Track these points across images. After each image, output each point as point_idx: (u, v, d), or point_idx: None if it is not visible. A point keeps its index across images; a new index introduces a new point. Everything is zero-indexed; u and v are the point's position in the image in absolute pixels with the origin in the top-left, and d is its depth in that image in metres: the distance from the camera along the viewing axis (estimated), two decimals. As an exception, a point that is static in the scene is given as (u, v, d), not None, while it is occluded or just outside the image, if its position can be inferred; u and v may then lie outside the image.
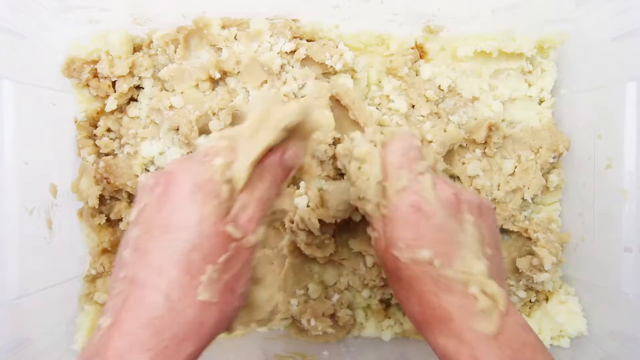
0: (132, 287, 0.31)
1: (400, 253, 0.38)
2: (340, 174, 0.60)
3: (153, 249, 0.31)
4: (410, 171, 0.40)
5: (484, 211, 0.41)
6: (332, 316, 0.60)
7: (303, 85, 0.56)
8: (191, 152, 0.57)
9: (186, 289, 0.31)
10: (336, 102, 0.58)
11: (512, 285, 0.58)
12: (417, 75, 0.61)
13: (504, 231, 0.62)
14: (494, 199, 0.60)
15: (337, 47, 0.58)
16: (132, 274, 0.31)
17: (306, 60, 0.58)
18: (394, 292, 0.42)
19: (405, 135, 0.42)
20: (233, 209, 0.34)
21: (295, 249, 0.59)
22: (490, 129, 0.59)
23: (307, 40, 0.59)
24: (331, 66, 0.57)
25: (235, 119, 0.57)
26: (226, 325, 0.34)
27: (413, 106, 0.60)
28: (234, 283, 0.33)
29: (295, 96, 0.57)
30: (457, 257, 0.38)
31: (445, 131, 0.59)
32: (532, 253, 0.57)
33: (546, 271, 0.56)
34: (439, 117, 0.60)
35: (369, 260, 0.59)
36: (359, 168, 0.42)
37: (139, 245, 0.32)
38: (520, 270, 0.57)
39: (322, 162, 0.58)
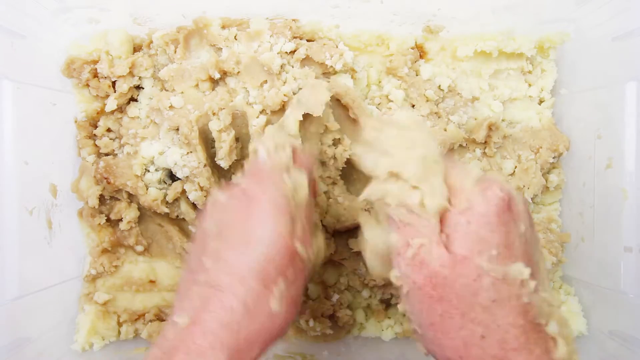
0: (214, 291, 0.33)
1: (488, 265, 0.30)
2: (340, 176, 0.59)
3: (235, 260, 0.34)
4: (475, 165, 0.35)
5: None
6: (332, 316, 0.60)
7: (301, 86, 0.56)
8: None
9: (261, 298, 0.34)
10: (336, 102, 0.58)
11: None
12: (417, 75, 0.61)
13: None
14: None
15: (337, 47, 0.58)
16: (214, 279, 0.34)
17: (306, 60, 0.58)
18: (434, 331, 0.32)
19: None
20: (297, 226, 0.36)
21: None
22: (490, 128, 0.59)
23: (307, 41, 0.59)
24: (331, 66, 0.57)
25: (235, 119, 0.57)
26: (284, 332, 0.36)
27: (413, 106, 0.60)
28: (297, 296, 0.36)
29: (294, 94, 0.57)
30: (543, 279, 0.31)
31: (445, 130, 0.59)
32: None
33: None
34: (439, 117, 0.60)
35: None
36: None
37: (220, 255, 0.35)
38: None
39: (323, 164, 0.58)
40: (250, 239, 0.35)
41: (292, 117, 0.50)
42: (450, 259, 0.30)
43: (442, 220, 0.32)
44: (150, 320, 0.60)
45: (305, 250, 0.36)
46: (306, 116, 0.52)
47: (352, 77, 0.61)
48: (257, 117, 0.56)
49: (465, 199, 0.32)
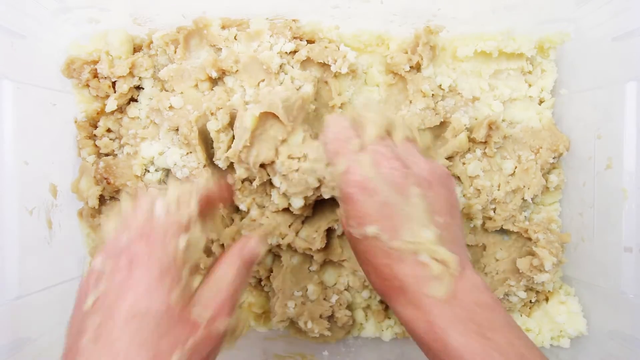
0: None
1: (352, 230, 0.41)
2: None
3: (118, 338, 0.31)
4: (346, 153, 0.41)
5: (434, 182, 0.42)
6: (331, 317, 0.60)
7: (300, 87, 0.56)
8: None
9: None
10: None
11: (513, 286, 0.58)
12: (417, 73, 0.61)
13: (504, 231, 0.62)
14: (494, 200, 0.60)
15: (338, 48, 0.58)
16: None
17: (307, 62, 0.58)
18: (363, 271, 0.44)
19: (333, 119, 0.44)
20: (189, 290, 0.35)
21: (292, 250, 0.59)
22: (490, 127, 0.59)
23: (307, 41, 0.59)
24: (337, 71, 0.57)
25: (233, 118, 0.57)
26: None
27: (410, 102, 0.59)
28: None
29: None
30: (404, 229, 0.39)
31: (455, 137, 0.59)
32: (532, 253, 0.57)
33: (546, 272, 0.56)
34: (436, 114, 0.59)
35: None
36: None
37: (101, 334, 0.31)
38: (520, 271, 0.57)
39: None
40: (136, 313, 0.32)
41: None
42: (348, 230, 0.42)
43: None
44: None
45: (211, 314, 0.34)
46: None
47: (352, 77, 0.61)
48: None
49: (334, 188, 0.43)
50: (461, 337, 0.37)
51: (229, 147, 0.55)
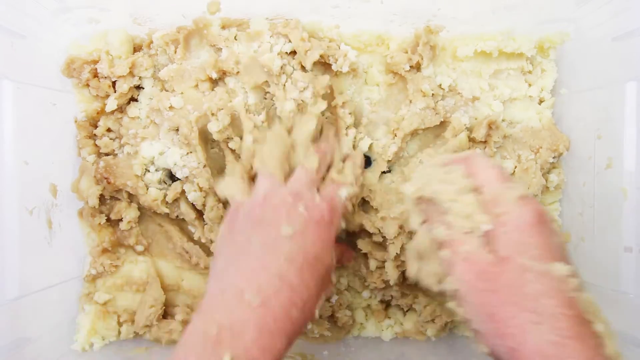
0: (285, 286, 0.40)
1: (530, 261, 0.33)
2: None
3: (306, 269, 0.42)
4: (517, 183, 0.38)
5: None
6: (331, 317, 0.60)
7: (304, 88, 0.56)
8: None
9: (314, 305, 0.42)
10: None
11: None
12: (417, 72, 0.61)
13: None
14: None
15: (339, 47, 0.58)
16: (287, 277, 0.40)
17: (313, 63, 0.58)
18: (488, 322, 0.34)
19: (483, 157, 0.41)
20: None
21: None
22: (490, 127, 0.59)
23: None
24: (338, 70, 0.57)
25: (235, 120, 0.57)
26: None
27: (410, 101, 0.59)
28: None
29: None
30: (582, 284, 0.34)
31: (455, 137, 0.59)
32: None
33: None
34: (436, 113, 0.59)
35: (373, 264, 0.59)
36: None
37: (295, 259, 0.41)
38: None
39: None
40: (319, 259, 0.43)
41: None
42: (494, 257, 0.35)
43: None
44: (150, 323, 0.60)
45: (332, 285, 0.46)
46: None
47: (353, 76, 0.61)
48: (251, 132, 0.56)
49: (502, 211, 0.36)
50: None
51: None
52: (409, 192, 0.41)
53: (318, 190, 0.49)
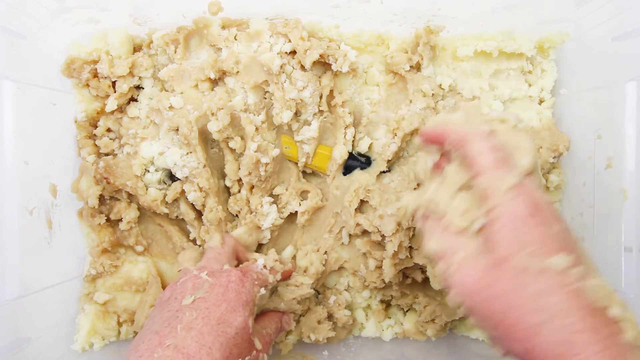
0: (182, 356, 0.38)
1: (524, 263, 0.32)
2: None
3: (208, 333, 0.40)
4: (512, 169, 0.35)
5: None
6: (331, 317, 0.60)
7: (303, 88, 0.56)
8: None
9: None
10: None
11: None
12: (417, 72, 0.61)
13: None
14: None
15: (339, 47, 0.58)
16: (183, 346, 0.39)
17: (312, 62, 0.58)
18: (498, 328, 0.33)
19: (481, 129, 0.37)
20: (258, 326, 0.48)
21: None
22: (490, 127, 0.59)
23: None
24: (338, 70, 0.57)
25: (234, 119, 0.56)
26: None
27: (410, 101, 0.59)
28: None
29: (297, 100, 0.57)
30: (592, 269, 0.32)
31: None
32: None
33: None
34: (436, 113, 0.60)
35: (372, 263, 0.59)
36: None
37: (193, 326, 0.40)
38: None
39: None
40: (226, 321, 0.42)
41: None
42: (492, 260, 0.33)
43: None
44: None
45: (259, 346, 0.45)
46: None
47: (353, 76, 0.61)
48: (252, 137, 0.56)
49: (494, 205, 0.34)
50: None
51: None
52: (409, 207, 0.42)
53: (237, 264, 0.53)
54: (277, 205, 0.60)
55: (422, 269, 0.58)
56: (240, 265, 0.51)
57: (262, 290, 0.48)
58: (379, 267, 0.59)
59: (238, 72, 0.57)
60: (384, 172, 0.61)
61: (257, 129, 0.56)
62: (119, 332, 0.61)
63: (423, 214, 0.40)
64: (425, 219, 0.39)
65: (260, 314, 0.52)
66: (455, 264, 0.35)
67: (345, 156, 0.60)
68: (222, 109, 0.55)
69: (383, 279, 0.58)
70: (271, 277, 0.51)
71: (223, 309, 0.43)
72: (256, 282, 0.48)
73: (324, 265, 0.59)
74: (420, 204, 0.40)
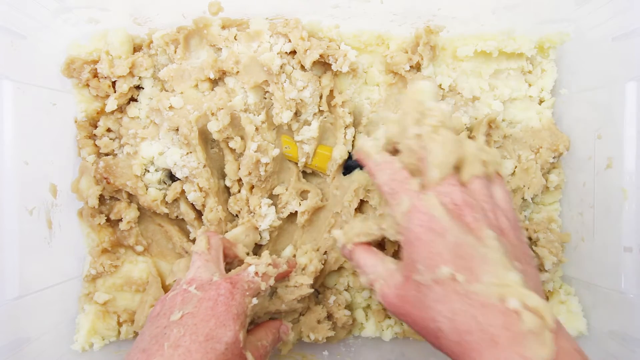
0: None
1: (420, 277, 0.37)
2: None
3: (196, 351, 0.39)
4: (407, 191, 0.39)
5: (507, 230, 0.40)
6: (330, 317, 0.60)
7: (303, 88, 0.56)
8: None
9: None
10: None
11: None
12: (417, 72, 0.61)
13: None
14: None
15: (339, 47, 0.58)
16: None
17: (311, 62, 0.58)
18: (424, 335, 0.38)
19: (383, 160, 0.43)
20: (247, 341, 0.45)
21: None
22: (490, 125, 0.59)
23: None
24: (338, 70, 0.57)
25: (234, 119, 0.56)
26: None
27: None
28: None
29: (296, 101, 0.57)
30: (484, 271, 0.35)
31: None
32: None
33: (546, 271, 0.56)
34: None
35: None
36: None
37: (180, 343, 0.39)
38: None
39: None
40: (214, 336, 0.40)
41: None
42: (400, 282, 0.40)
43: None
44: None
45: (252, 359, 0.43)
46: None
47: (353, 76, 0.61)
48: (252, 137, 0.56)
49: (398, 231, 0.40)
50: None
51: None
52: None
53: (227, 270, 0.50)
54: (276, 206, 0.60)
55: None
56: (231, 274, 0.48)
57: (254, 300, 0.46)
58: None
59: (238, 72, 0.57)
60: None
61: (257, 129, 0.56)
62: (119, 332, 0.61)
63: (348, 249, 0.46)
64: (350, 252, 0.45)
65: (257, 326, 0.51)
66: (377, 288, 0.41)
67: (345, 156, 0.60)
68: (222, 109, 0.55)
69: None
70: (263, 284, 0.48)
71: (212, 324, 0.41)
72: (247, 293, 0.46)
73: (323, 264, 0.59)
74: (346, 239, 0.46)
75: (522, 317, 0.33)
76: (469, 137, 0.60)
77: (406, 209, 0.39)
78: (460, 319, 0.35)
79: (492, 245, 0.36)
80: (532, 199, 0.60)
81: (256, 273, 0.48)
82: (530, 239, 0.59)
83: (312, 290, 0.57)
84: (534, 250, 0.57)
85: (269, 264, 0.50)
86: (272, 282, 0.50)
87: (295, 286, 0.55)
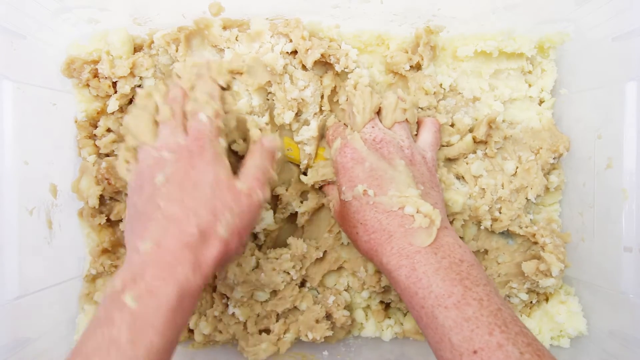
0: (171, 221, 0.41)
1: (344, 196, 0.49)
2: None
3: (187, 199, 0.42)
4: (340, 134, 0.53)
5: (416, 161, 0.51)
6: (329, 317, 0.60)
7: (305, 87, 0.56)
8: None
9: (211, 225, 0.41)
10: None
11: (515, 288, 0.58)
12: (417, 71, 0.61)
13: (509, 235, 0.62)
14: (499, 198, 0.59)
15: (339, 47, 0.58)
16: (171, 213, 0.41)
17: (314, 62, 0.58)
18: (351, 240, 0.51)
19: (331, 125, 0.57)
20: (238, 172, 0.47)
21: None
22: (490, 126, 0.59)
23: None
24: (342, 70, 0.57)
25: (240, 122, 0.56)
26: (225, 261, 0.44)
27: None
28: (242, 228, 0.44)
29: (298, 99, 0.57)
30: (390, 187, 0.47)
31: (462, 140, 0.59)
32: (538, 257, 0.57)
33: (553, 277, 0.55)
34: (437, 112, 0.59)
35: (371, 267, 0.59)
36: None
37: (172, 197, 0.42)
38: (525, 274, 0.57)
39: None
40: (198, 183, 0.43)
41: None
42: (337, 202, 0.53)
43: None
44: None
45: (246, 186, 0.45)
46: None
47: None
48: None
49: (333, 166, 0.54)
50: (443, 283, 0.41)
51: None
52: None
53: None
54: (277, 207, 0.60)
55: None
56: (190, 129, 0.47)
57: (222, 142, 0.47)
58: (378, 272, 0.58)
59: (241, 74, 0.57)
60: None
61: (261, 130, 0.56)
62: (119, 332, 0.61)
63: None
64: (323, 188, 0.60)
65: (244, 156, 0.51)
66: (331, 207, 0.56)
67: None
68: (228, 112, 0.55)
69: (382, 285, 0.58)
70: (219, 122, 0.48)
71: (193, 175, 0.43)
72: (212, 137, 0.46)
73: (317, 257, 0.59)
74: (314, 181, 0.58)
75: (415, 217, 0.45)
76: (472, 138, 0.60)
77: (338, 146, 0.52)
78: (369, 223, 0.47)
79: (400, 170, 0.48)
80: (534, 199, 0.60)
81: (207, 117, 0.48)
82: (536, 243, 0.58)
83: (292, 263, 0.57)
84: (540, 255, 0.56)
85: (209, 102, 0.49)
86: (224, 111, 0.50)
87: (276, 258, 0.56)
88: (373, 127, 0.53)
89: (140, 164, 0.46)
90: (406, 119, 0.55)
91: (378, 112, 0.55)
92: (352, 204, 0.49)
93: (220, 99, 0.51)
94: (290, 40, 0.56)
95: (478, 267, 0.43)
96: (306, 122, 0.59)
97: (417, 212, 0.45)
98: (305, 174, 0.63)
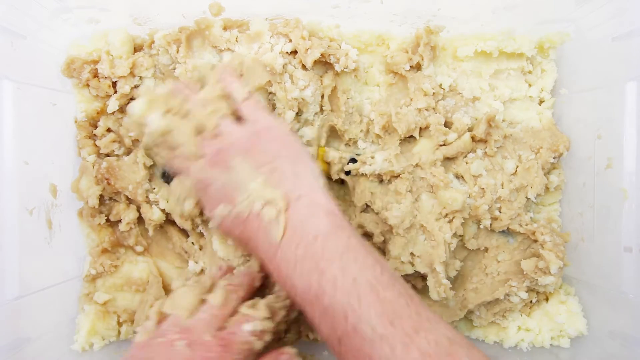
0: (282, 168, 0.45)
1: (214, 222, 0.47)
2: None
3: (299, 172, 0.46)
4: (188, 169, 0.48)
5: (249, 148, 0.47)
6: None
7: (305, 87, 0.56)
8: None
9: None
10: None
11: (514, 286, 0.58)
12: (417, 72, 0.60)
13: (509, 234, 0.62)
14: (499, 198, 0.59)
15: (339, 47, 0.58)
16: (291, 190, 0.44)
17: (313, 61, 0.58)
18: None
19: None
20: None
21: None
22: (489, 124, 0.59)
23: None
24: (342, 70, 0.57)
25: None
26: None
27: (411, 99, 0.59)
28: None
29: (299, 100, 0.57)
30: (237, 194, 0.44)
31: (459, 139, 0.59)
32: (537, 255, 0.57)
33: (552, 274, 0.55)
34: (436, 113, 0.59)
35: None
36: None
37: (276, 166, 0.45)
38: (524, 272, 0.57)
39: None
40: (298, 158, 0.47)
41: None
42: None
43: None
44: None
45: None
46: None
47: (355, 76, 0.61)
48: None
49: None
50: (302, 278, 0.40)
51: None
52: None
53: (223, 326, 0.43)
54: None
55: (423, 277, 0.58)
56: (225, 332, 0.42)
57: None
58: None
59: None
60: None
61: None
62: (119, 332, 0.61)
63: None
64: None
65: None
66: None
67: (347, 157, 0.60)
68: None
69: None
70: (259, 343, 0.43)
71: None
72: (238, 357, 0.41)
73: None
74: None
75: (262, 213, 0.42)
76: (471, 137, 0.60)
77: (192, 184, 0.49)
78: (240, 238, 0.45)
79: (238, 169, 0.45)
80: (534, 198, 0.60)
81: (251, 332, 0.43)
82: (536, 241, 0.58)
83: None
84: (540, 253, 0.56)
85: (266, 318, 0.44)
86: (268, 338, 0.44)
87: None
88: (205, 144, 0.48)
89: (154, 337, 0.42)
90: (229, 117, 0.50)
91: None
92: (223, 224, 0.46)
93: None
94: (290, 40, 0.56)
95: (335, 232, 0.41)
96: (307, 122, 0.59)
97: (263, 204, 0.42)
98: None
